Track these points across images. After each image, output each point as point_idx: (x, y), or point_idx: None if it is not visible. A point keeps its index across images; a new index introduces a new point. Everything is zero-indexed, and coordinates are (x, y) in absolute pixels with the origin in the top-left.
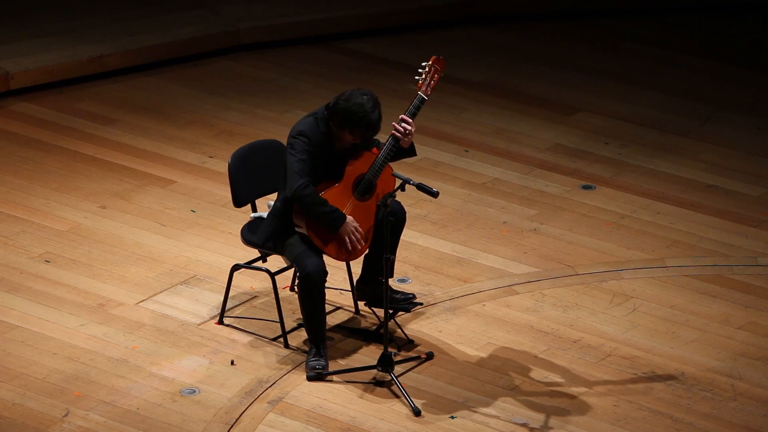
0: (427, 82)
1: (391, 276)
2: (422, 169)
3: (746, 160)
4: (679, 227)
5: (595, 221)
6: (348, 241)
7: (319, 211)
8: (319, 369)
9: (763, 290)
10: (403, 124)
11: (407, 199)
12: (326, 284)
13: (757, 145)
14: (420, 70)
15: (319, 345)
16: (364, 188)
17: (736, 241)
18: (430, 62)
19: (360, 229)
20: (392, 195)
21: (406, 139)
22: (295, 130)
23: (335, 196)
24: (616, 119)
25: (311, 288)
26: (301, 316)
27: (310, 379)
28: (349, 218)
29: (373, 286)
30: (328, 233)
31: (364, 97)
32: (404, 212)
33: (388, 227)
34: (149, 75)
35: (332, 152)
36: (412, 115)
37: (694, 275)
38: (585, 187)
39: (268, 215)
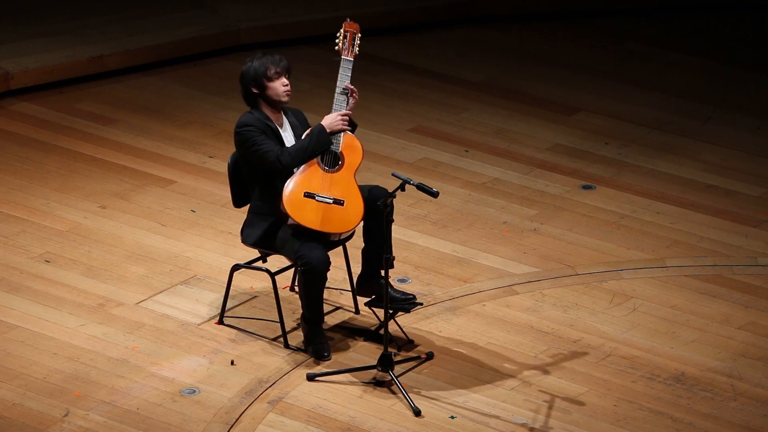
0: (347, 47)
1: (388, 268)
2: (422, 169)
3: (746, 160)
4: (679, 227)
5: (595, 221)
6: (343, 124)
7: (308, 149)
8: (326, 356)
9: (763, 290)
10: (348, 85)
11: (407, 199)
12: (326, 284)
13: (757, 145)
14: (336, 40)
15: (320, 325)
16: (330, 159)
17: (736, 241)
18: (342, 29)
19: (338, 114)
20: (392, 195)
21: (353, 100)
22: (237, 126)
23: (305, 178)
24: (616, 119)
25: (315, 278)
26: (302, 302)
27: (320, 358)
28: (325, 121)
29: (374, 282)
30: (307, 211)
31: (258, 54)
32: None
33: (387, 227)
34: (149, 75)
35: (278, 133)
36: (346, 78)
37: (694, 275)
38: (585, 187)
39: (250, 216)
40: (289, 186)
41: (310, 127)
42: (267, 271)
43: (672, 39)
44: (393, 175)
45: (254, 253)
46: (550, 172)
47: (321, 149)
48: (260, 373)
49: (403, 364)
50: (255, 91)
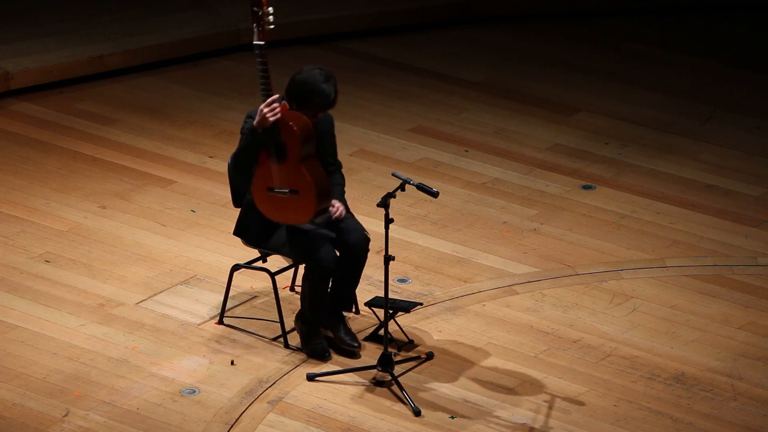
0: (256, 30)
1: (350, 310)
2: (422, 169)
3: (746, 160)
4: (679, 227)
5: (595, 221)
6: (270, 115)
7: (243, 150)
8: (327, 356)
9: (763, 290)
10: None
11: (407, 199)
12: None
13: (757, 145)
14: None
15: (319, 325)
16: (275, 151)
17: (736, 241)
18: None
19: (263, 106)
20: (392, 195)
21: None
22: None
23: (264, 173)
24: (616, 119)
25: (322, 277)
26: (304, 300)
27: (322, 358)
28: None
29: (334, 320)
30: (274, 206)
31: (316, 70)
32: (366, 241)
33: (388, 227)
34: (149, 75)
35: (279, 137)
36: (263, 65)
37: (694, 275)
38: (585, 187)
39: (243, 211)
40: (254, 182)
41: (331, 132)
42: (267, 271)
43: (672, 39)
44: (393, 175)
45: (254, 253)
46: (550, 172)
47: (257, 146)
48: (260, 373)
49: (403, 364)
50: (290, 97)
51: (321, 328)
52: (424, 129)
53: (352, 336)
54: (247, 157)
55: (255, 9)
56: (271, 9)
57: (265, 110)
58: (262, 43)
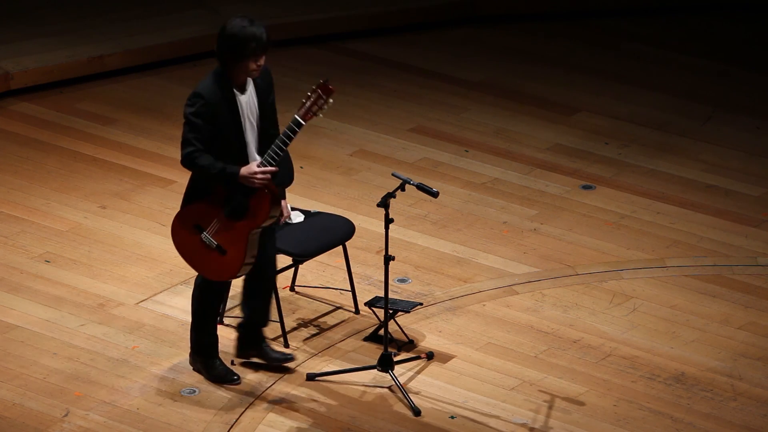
0: (307, 107)
1: (266, 324)
2: (422, 169)
3: (746, 160)
4: (679, 227)
5: (595, 221)
6: (260, 182)
7: (211, 173)
8: (236, 379)
9: (763, 290)
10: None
11: (407, 199)
12: (326, 284)
13: (757, 145)
14: (309, 93)
15: (212, 347)
16: (235, 206)
17: (736, 241)
18: (315, 87)
19: (259, 169)
20: (392, 195)
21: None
22: (192, 93)
23: (204, 210)
24: (616, 119)
25: (216, 293)
26: (194, 326)
27: (231, 382)
28: (243, 169)
29: (252, 346)
30: (190, 244)
31: (237, 18)
32: (273, 265)
33: (387, 227)
34: (149, 75)
35: (236, 109)
36: (288, 138)
37: (694, 275)
38: (585, 187)
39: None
40: (188, 208)
41: (272, 90)
42: None
43: (672, 39)
44: (393, 175)
45: None
46: (550, 172)
47: (221, 185)
48: (260, 373)
49: (403, 364)
50: (229, 61)
51: (235, 353)
52: (424, 129)
53: (278, 351)
54: (205, 182)
55: (321, 93)
56: (331, 100)
57: (260, 175)
58: (304, 123)
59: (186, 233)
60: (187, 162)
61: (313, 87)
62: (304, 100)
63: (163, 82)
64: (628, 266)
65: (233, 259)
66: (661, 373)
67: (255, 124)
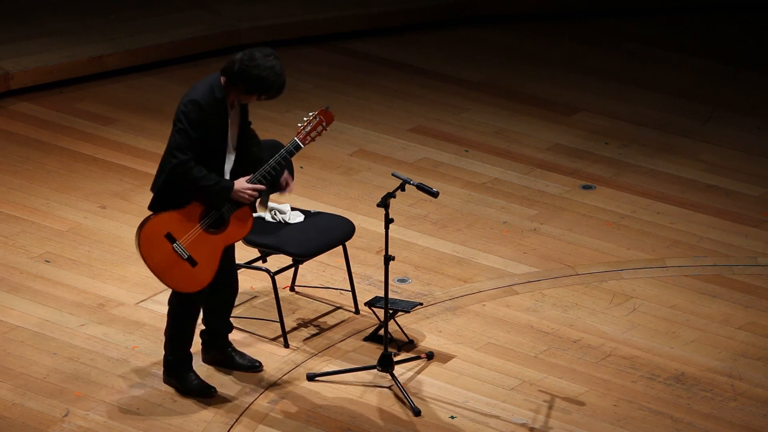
0: (306, 131)
1: (230, 331)
2: (422, 169)
3: (746, 160)
4: (679, 227)
5: (595, 221)
6: (248, 198)
7: (202, 185)
8: (213, 391)
9: (763, 290)
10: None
11: (407, 199)
12: (326, 284)
13: (757, 145)
14: (305, 118)
15: (186, 363)
16: (213, 219)
17: (736, 241)
18: (316, 112)
19: (250, 185)
20: (392, 195)
21: (288, 188)
22: (187, 98)
23: (177, 219)
24: (616, 119)
25: (194, 312)
26: (168, 341)
27: (206, 394)
28: (236, 183)
29: (217, 351)
30: (157, 251)
31: (270, 58)
32: (235, 276)
33: (388, 227)
34: (149, 75)
35: (225, 123)
36: (284, 159)
37: (694, 275)
38: (585, 187)
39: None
40: (159, 216)
41: (248, 119)
42: (267, 271)
43: (672, 39)
44: (393, 175)
45: (254, 253)
46: (550, 172)
47: (212, 200)
48: (260, 373)
49: (403, 364)
50: (236, 88)
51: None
52: (424, 129)
53: (246, 357)
54: (190, 192)
55: (323, 119)
56: (328, 128)
57: (249, 192)
58: (303, 146)
59: (156, 242)
60: (179, 169)
61: (314, 112)
62: (303, 124)
63: (163, 82)
64: (628, 266)
65: (204, 272)
66: (661, 373)
67: (235, 142)
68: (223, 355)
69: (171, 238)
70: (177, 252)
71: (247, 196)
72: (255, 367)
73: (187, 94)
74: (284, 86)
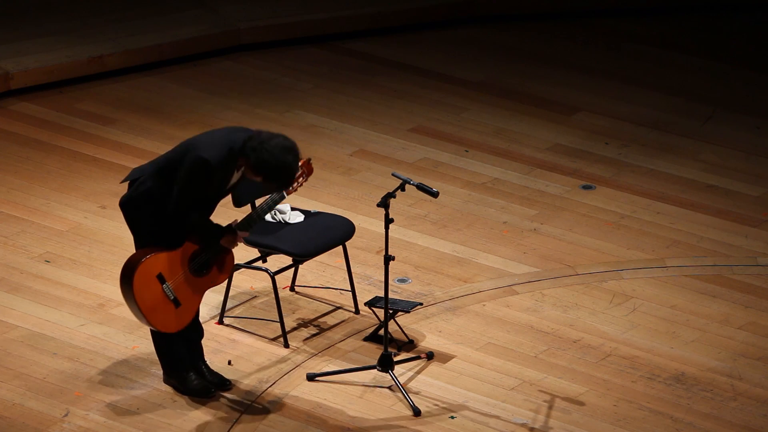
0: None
1: (201, 337)
2: (422, 169)
3: (746, 160)
4: (679, 227)
5: (595, 221)
6: (236, 245)
7: (206, 227)
8: (212, 391)
9: (763, 290)
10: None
11: (407, 199)
12: (326, 284)
13: (757, 145)
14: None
15: (182, 366)
16: (199, 263)
17: (736, 241)
18: (299, 163)
19: (243, 236)
20: (392, 195)
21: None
22: (208, 153)
23: (168, 261)
24: (616, 119)
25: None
26: (159, 354)
27: (204, 394)
28: (230, 231)
29: (204, 378)
30: (148, 292)
31: (291, 155)
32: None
33: (387, 227)
34: (149, 75)
35: (226, 184)
36: (269, 208)
37: (694, 275)
38: (585, 187)
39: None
40: (155, 256)
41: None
42: (267, 271)
43: (672, 39)
44: (393, 175)
45: (254, 253)
46: (550, 172)
47: (203, 243)
48: (260, 373)
49: (403, 364)
50: (247, 164)
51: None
52: (424, 129)
53: (214, 373)
54: (188, 234)
55: (305, 170)
56: (308, 180)
57: (237, 239)
58: (286, 197)
59: (149, 281)
60: (190, 222)
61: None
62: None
63: (163, 82)
64: (628, 266)
65: (185, 312)
66: (661, 373)
67: (226, 193)
68: (195, 368)
69: (162, 279)
70: (165, 293)
71: (240, 241)
72: (225, 385)
73: (210, 145)
74: (292, 181)
